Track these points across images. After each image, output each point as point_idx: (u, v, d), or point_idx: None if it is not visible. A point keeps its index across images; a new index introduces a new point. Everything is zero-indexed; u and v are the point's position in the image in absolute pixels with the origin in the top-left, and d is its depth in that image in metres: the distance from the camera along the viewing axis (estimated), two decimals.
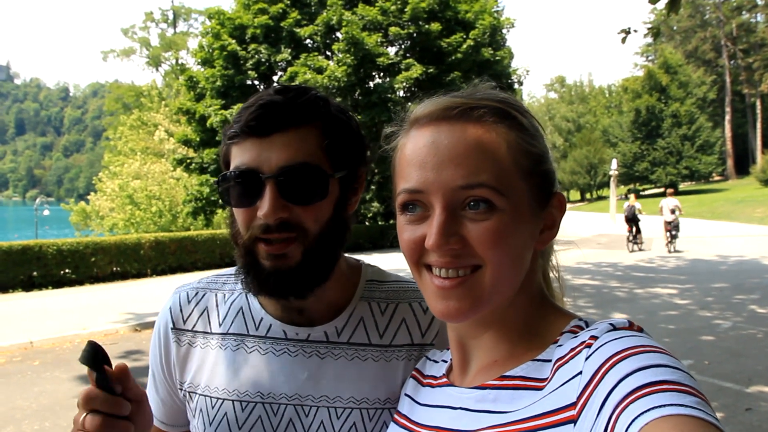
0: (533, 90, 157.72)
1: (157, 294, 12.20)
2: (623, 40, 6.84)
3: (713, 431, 0.51)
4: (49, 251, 13.59)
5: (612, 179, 35.37)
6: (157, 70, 55.79)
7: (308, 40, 21.25)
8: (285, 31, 20.73)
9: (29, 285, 13.26)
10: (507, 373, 0.74)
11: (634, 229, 20.04)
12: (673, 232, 19.31)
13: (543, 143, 0.78)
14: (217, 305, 1.11)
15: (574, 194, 74.07)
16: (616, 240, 24.73)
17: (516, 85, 24.39)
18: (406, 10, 19.88)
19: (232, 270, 1.13)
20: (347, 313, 1.04)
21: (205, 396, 1.04)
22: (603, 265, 16.56)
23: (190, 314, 1.10)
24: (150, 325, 9.36)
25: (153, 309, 10.28)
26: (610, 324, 0.69)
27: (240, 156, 0.93)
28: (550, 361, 0.71)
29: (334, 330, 1.03)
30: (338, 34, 20.44)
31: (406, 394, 0.93)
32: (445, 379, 0.86)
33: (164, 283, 14.12)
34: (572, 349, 0.69)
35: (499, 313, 0.77)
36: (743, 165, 60.71)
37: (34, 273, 13.43)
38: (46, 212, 39.64)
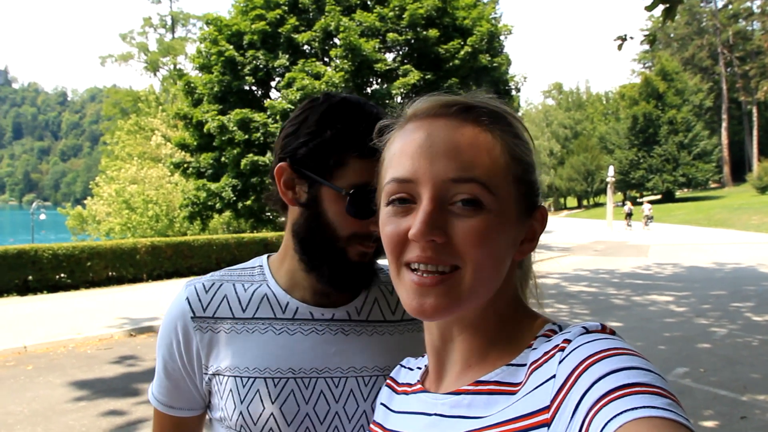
0: (531, 97, 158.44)
1: (152, 299, 12.16)
2: (619, 47, 6.85)
3: None
4: (44, 255, 13.53)
5: (609, 186, 35.43)
6: (155, 75, 55.83)
7: (306, 46, 21.27)
8: (283, 37, 20.75)
9: (24, 289, 13.20)
10: (481, 378, 0.74)
11: (629, 219, 36.01)
12: (648, 222, 34.85)
13: (533, 156, 0.78)
14: (237, 294, 1.17)
15: (571, 201, 74.24)
16: (614, 247, 24.76)
17: (513, 92, 24.43)
18: (404, 16, 19.92)
19: (241, 265, 1.24)
20: (364, 294, 1.19)
21: (234, 377, 1.10)
22: (600, 272, 16.58)
23: (209, 303, 1.16)
24: (145, 330, 9.33)
25: (148, 314, 10.24)
26: (583, 327, 0.69)
27: (370, 172, 0.97)
28: (524, 365, 0.71)
29: (354, 309, 1.17)
30: (336, 40, 20.47)
31: (381, 403, 0.92)
32: (419, 386, 0.85)
33: (160, 288, 14.08)
34: (546, 353, 0.69)
35: (474, 317, 0.76)
36: (740, 172, 60.92)
37: (30, 277, 13.36)
38: (43, 216, 39.48)
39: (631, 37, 6.95)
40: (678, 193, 58.64)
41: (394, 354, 1.11)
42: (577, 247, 25.19)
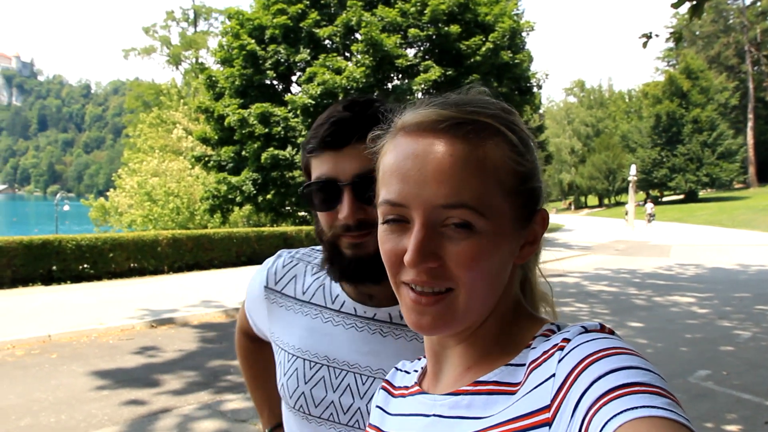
0: (552, 94, 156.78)
1: (173, 291, 12.29)
2: (644, 45, 6.76)
3: None
4: (68, 246, 13.74)
5: (631, 185, 35.05)
6: (177, 68, 56.27)
7: (327, 41, 21.31)
8: (304, 31, 20.81)
9: (48, 279, 13.42)
10: (480, 379, 0.74)
11: (649, 216, 38.31)
12: (650, 219, 37.74)
13: (531, 159, 0.76)
14: (305, 275, 1.29)
15: (592, 199, 73.53)
16: (635, 246, 24.50)
17: (535, 89, 24.28)
18: (425, 11, 19.86)
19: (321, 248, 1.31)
20: None
21: (284, 350, 1.24)
22: (621, 271, 16.42)
23: (282, 278, 1.29)
24: (166, 322, 9.44)
25: (169, 306, 10.36)
26: (582, 327, 0.69)
27: (319, 167, 1.11)
28: (523, 365, 0.71)
29: (398, 313, 1.15)
30: (357, 35, 20.48)
31: (377, 406, 0.92)
32: (417, 388, 0.85)
33: (180, 280, 14.22)
34: (545, 352, 0.69)
35: (474, 327, 0.76)
36: (766, 173, 59.84)
37: (54, 267, 13.58)
38: (67, 207, 40.11)
39: (657, 35, 6.87)
40: (701, 193, 57.81)
41: None
42: (598, 246, 24.97)
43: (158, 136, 34.17)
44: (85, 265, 14.15)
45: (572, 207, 72.45)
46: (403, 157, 0.72)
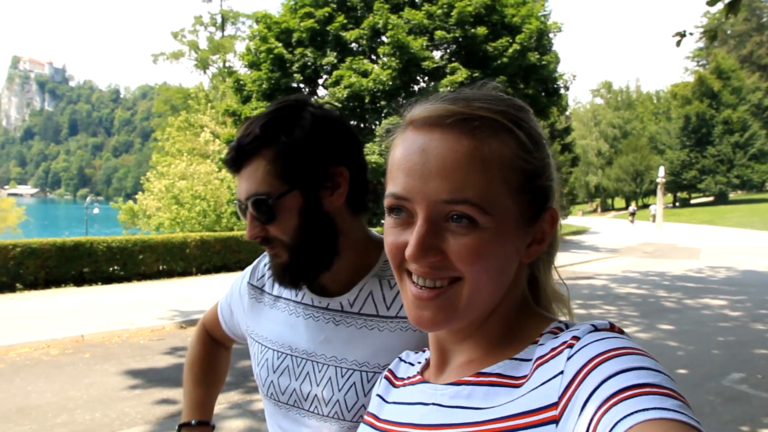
0: (579, 95, 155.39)
1: (201, 293, 12.43)
2: (678, 44, 6.67)
3: None
4: (99, 248, 13.99)
5: (659, 187, 34.51)
6: (204, 72, 56.83)
7: (354, 44, 21.38)
8: (331, 34, 20.91)
9: (80, 280, 13.68)
10: (483, 370, 0.74)
11: (632, 217, 43.75)
12: (654, 218, 37.74)
13: (541, 156, 0.75)
14: None
15: (619, 202, 72.59)
16: (663, 249, 24.14)
17: (562, 90, 24.06)
18: (452, 14, 19.82)
19: None
20: (358, 287, 1.21)
21: (257, 342, 1.31)
22: (650, 274, 16.19)
23: (263, 276, 1.36)
24: (195, 323, 9.51)
25: (198, 307, 10.48)
26: (592, 325, 0.69)
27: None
28: (529, 360, 0.71)
29: (348, 301, 1.21)
30: (384, 38, 20.51)
31: (377, 395, 0.93)
32: (419, 377, 0.86)
33: (209, 282, 14.38)
34: (553, 349, 0.68)
35: (479, 323, 0.76)
36: None
37: (85, 269, 13.84)
38: (96, 210, 40.85)
39: (690, 33, 6.77)
40: (732, 195, 56.71)
41: (376, 351, 1.15)
42: (626, 248, 24.64)
43: (186, 139, 34.55)
44: (116, 267, 14.38)
45: (599, 209, 71.59)
46: (410, 151, 0.72)
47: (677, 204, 61.70)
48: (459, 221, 0.69)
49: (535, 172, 0.74)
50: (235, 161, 1.15)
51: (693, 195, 60.71)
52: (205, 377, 1.56)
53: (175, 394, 6.05)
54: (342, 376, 1.17)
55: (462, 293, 0.71)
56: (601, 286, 13.81)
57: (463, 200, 0.68)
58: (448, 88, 18.98)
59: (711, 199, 57.57)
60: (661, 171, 34.29)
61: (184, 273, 15.66)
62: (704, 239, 28.76)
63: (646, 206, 62.50)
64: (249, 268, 1.41)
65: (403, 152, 0.74)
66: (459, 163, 0.69)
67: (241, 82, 21.99)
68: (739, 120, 52.08)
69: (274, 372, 1.24)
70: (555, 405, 0.63)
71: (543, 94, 22.79)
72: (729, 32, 66.20)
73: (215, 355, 1.58)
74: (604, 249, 23.82)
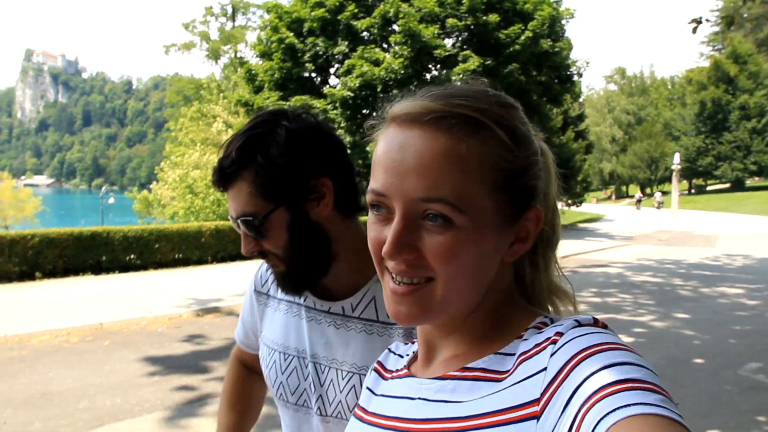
0: (592, 82, 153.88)
1: (217, 281, 12.53)
2: (694, 30, 6.61)
3: (679, 429, 0.52)
4: (116, 237, 14.13)
5: (674, 174, 34.21)
6: (216, 63, 56.86)
7: (365, 33, 21.29)
8: (342, 24, 20.84)
9: (98, 269, 13.83)
10: (468, 365, 0.74)
11: (638, 204, 46.30)
12: (659, 206, 42.46)
13: (525, 155, 0.74)
14: None
15: (634, 189, 72.00)
16: (678, 236, 23.96)
17: (575, 77, 23.87)
18: (463, 1, 19.67)
19: None
20: (362, 292, 1.24)
21: (266, 345, 1.35)
22: (665, 262, 16.10)
23: (266, 281, 1.40)
24: (211, 311, 9.65)
25: (214, 295, 10.58)
26: (576, 320, 0.68)
27: None
28: (513, 354, 0.71)
29: (350, 305, 1.24)
30: (395, 27, 20.41)
31: (367, 387, 0.93)
32: (406, 371, 0.86)
33: (224, 270, 14.49)
34: (537, 345, 0.68)
35: (462, 319, 0.77)
36: None
37: (102, 258, 13.99)
38: (111, 200, 41.20)
39: (707, 20, 6.70)
40: (748, 182, 56.04)
41: (374, 355, 1.14)
42: (641, 236, 24.48)
43: (199, 129, 34.62)
44: (132, 256, 14.53)
45: (613, 197, 71.08)
46: (389, 147, 0.72)
47: (693, 191, 61.07)
48: (435, 220, 0.69)
49: (517, 171, 0.73)
50: (219, 183, 1.18)
51: (709, 182, 60.01)
52: (237, 403, 1.56)
53: (193, 381, 6.14)
54: (342, 379, 1.21)
55: (436, 291, 0.71)
56: (616, 274, 13.76)
57: (438, 199, 0.68)
58: (461, 76, 18.90)
59: (727, 185, 56.90)
60: (676, 158, 34.01)
61: (200, 261, 15.78)
62: (720, 227, 28.50)
63: (663, 193, 62.02)
64: (252, 279, 1.45)
65: (383, 148, 0.74)
66: (435, 161, 0.68)
67: (253, 72, 22.01)
68: (756, 105, 51.32)
69: (282, 373, 1.29)
70: (537, 401, 0.63)
71: (556, 81, 22.62)
72: (745, 15, 65.12)
73: (246, 380, 1.58)
74: (619, 237, 23.69)
